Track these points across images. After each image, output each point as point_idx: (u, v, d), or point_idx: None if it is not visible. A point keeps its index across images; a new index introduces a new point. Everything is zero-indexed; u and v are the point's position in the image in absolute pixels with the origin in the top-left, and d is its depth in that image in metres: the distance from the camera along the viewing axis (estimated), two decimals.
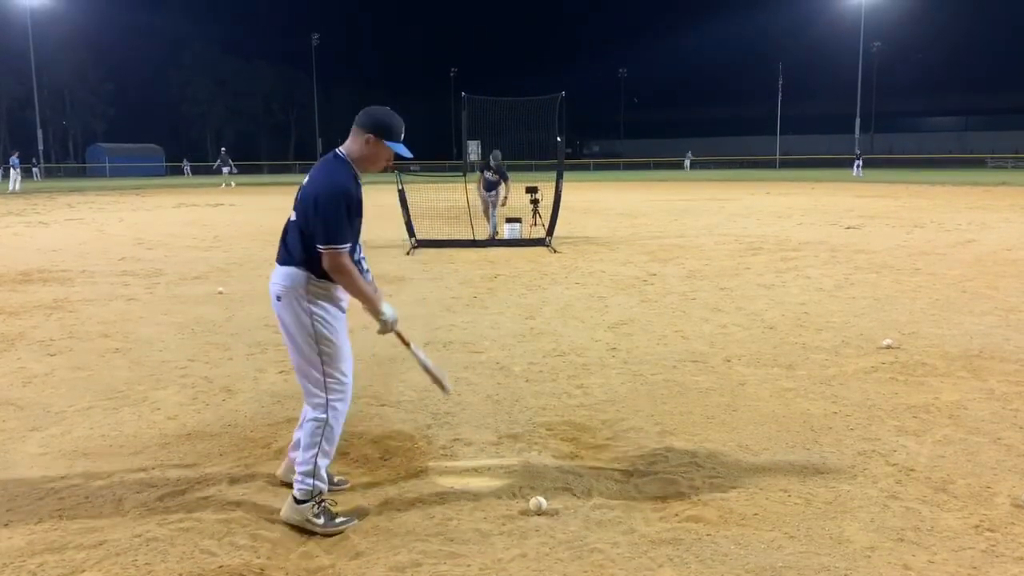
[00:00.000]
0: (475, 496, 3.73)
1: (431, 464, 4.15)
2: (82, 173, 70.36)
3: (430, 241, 14.37)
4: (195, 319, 7.96)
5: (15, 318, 8.02)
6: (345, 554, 3.19)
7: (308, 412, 3.50)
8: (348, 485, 3.87)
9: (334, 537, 3.34)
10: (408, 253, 13.53)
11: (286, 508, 3.47)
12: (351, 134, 3.52)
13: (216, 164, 46.56)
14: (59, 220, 21.16)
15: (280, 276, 3.43)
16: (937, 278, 10.02)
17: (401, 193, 14.02)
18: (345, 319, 3.55)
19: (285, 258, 3.44)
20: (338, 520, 3.42)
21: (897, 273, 10.51)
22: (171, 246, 14.84)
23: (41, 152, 63.18)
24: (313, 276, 3.39)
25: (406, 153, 3.57)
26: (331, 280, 3.41)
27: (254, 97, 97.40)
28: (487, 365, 6.14)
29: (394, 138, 3.50)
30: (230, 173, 44.91)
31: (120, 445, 4.44)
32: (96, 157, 74.09)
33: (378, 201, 20.23)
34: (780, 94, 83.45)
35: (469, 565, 3.09)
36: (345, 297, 3.56)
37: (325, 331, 3.41)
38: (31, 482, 3.92)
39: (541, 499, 3.58)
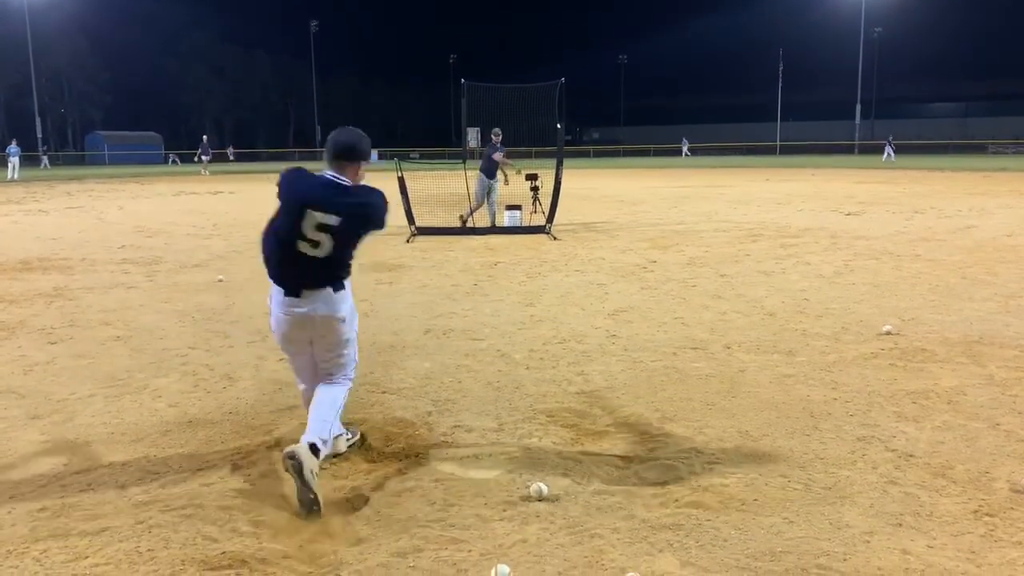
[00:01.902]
0: (476, 482, 3.74)
1: (432, 451, 4.16)
2: (81, 161, 70.26)
3: (430, 229, 14.35)
4: (195, 307, 7.97)
5: (15, 306, 8.02)
6: (347, 539, 3.21)
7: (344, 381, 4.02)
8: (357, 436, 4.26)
9: (336, 524, 3.35)
10: (408, 241, 13.51)
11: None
12: (343, 168, 3.75)
13: (197, 154, 46.91)
14: (58, 208, 21.13)
15: (337, 301, 3.79)
16: (937, 264, 10.02)
17: (401, 181, 13.99)
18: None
19: (337, 283, 3.80)
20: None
21: (897, 259, 10.50)
22: (171, 234, 14.83)
23: (40, 140, 63.03)
24: (349, 291, 3.90)
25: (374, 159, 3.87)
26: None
27: (253, 85, 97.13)
28: (487, 352, 6.15)
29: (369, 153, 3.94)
30: (208, 162, 45.30)
31: (121, 432, 4.46)
32: (95, 145, 73.97)
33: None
34: (780, 80, 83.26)
35: (470, 550, 3.10)
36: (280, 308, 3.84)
37: (356, 326, 4.11)
38: (33, 469, 3.93)
39: (542, 485, 3.59)
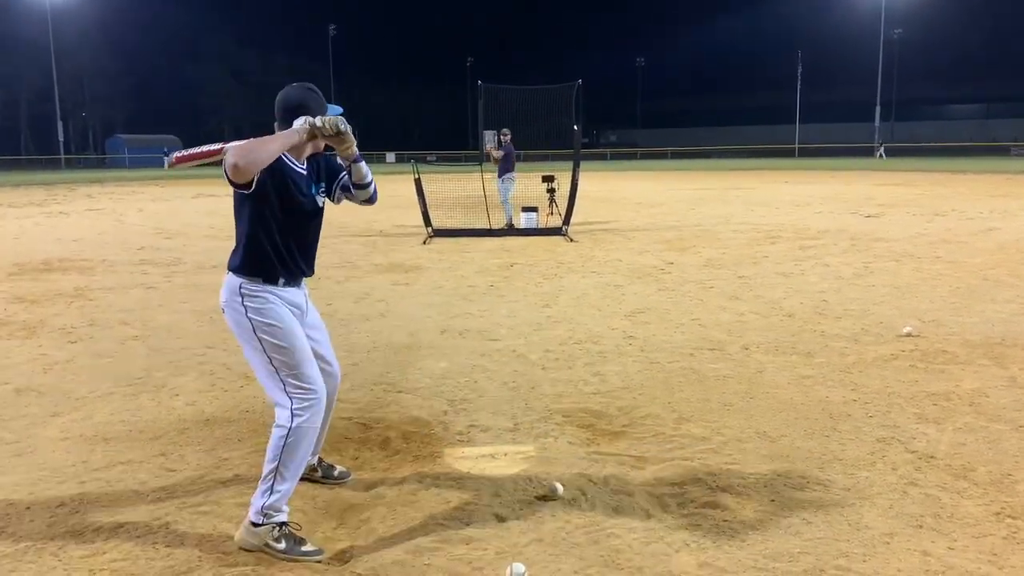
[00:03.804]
0: (492, 481, 3.73)
1: (448, 450, 4.15)
2: (102, 164, 71.06)
3: (447, 230, 14.37)
4: (213, 307, 7.98)
5: (37, 306, 8.10)
6: (364, 537, 3.21)
7: (276, 419, 3.16)
8: (351, 478, 3.76)
9: (353, 521, 3.35)
10: (425, 242, 13.54)
11: (241, 531, 3.14)
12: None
13: None
14: (79, 210, 21.35)
15: (223, 285, 3.21)
16: (958, 266, 9.92)
17: (418, 182, 14.02)
18: (296, 320, 3.22)
19: (228, 263, 3.23)
20: (304, 548, 3.07)
21: (917, 261, 10.40)
22: (189, 235, 14.94)
23: (62, 143, 63.79)
24: (245, 280, 3.13)
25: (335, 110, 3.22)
26: (268, 281, 3.15)
27: (271, 88, 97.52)
28: (503, 353, 6.14)
29: (300, 114, 3.11)
30: None
31: (140, 430, 4.48)
32: (116, 148, 74.76)
33: (395, 191, 20.24)
34: (799, 82, 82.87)
35: (486, 549, 3.09)
36: (297, 296, 3.27)
37: (271, 339, 3.10)
38: (52, 466, 3.96)
39: (558, 484, 3.58)
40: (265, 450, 3.16)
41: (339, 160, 3.28)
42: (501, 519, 3.35)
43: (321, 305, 3.52)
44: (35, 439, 4.35)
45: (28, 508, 3.48)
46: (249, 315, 3.12)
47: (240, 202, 3.13)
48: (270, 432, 3.15)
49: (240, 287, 3.14)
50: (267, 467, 3.11)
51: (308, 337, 3.28)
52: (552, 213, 15.56)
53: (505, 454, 4.10)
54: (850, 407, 4.72)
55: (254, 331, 3.12)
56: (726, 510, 3.39)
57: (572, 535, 3.20)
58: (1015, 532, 3.17)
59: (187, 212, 20.60)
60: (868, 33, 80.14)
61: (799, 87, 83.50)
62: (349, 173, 3.27)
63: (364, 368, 5.72)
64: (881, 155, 66.99)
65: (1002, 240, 12.37)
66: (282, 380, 3.13)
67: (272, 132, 3.13)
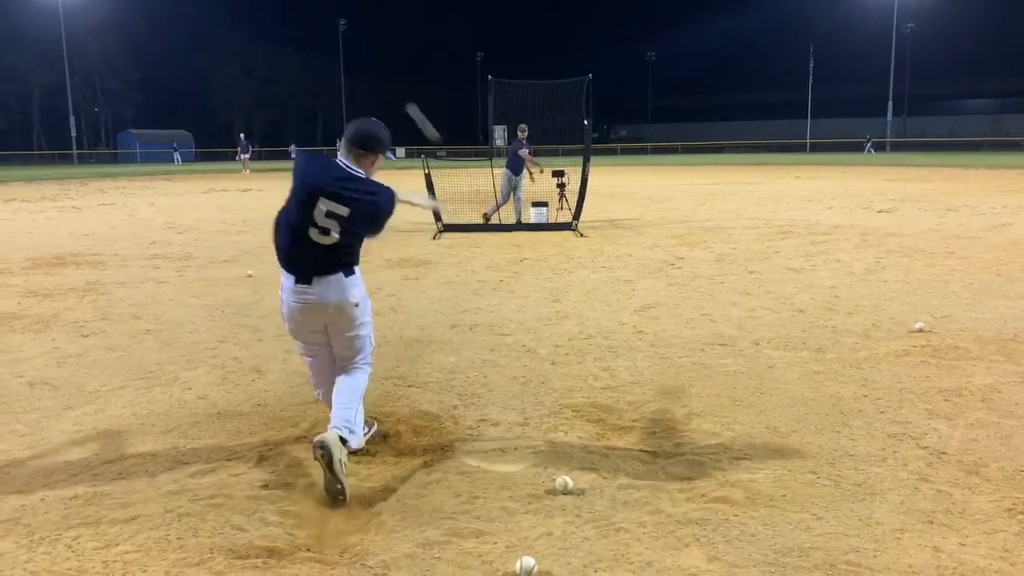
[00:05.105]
0: (501, 475, 3.74)
1: (458, 444, 4.16)
2: (114, 159, 71.41)
3: (456, 225, 14.38)
4: (225, 301, 8.05)
5: (49, 300, 8.16)
6: (373, 530, 3.22)
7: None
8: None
9: (364, 514, 3.36)
10: (435, 237, 13.55)
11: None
12: (359, 158, 3.71)
13: (238, 152, 48.01)
14: (91, 205, 21.46)
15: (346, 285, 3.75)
16: (971, 261, 9.86)
17: (428, 177, 14.03)
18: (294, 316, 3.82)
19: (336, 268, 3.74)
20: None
21: (930, 256, 10.35)
22: (201, 230, 15.00)
23: (74, 138, 64.03)
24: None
25: (393, 157, 3.70)
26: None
27: (281, 84, 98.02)
28: (513, 347, 6.15)
29: (388, 147, 3.81)
30: (249, 159, 46.35)
31: (152, 423, 4.51)
32: (127, 143, 75.06)
33: (404, 186, 20.26)
34: (811, 77, 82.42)
35: (495, 543, 3.10)
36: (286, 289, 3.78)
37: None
38: (66, 459, 3.99)
39: (567, 479, 3.58)
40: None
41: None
42: (511, 513, 3.35)
43: None
44: (48, 432, 4.39)
45: (42, 500, 3.52)
46: (366, 295, 3.94)
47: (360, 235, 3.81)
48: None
49: (361, 280, 3.88)
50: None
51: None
52: (562, 208, 15.54)
53: (515, 448, 4.10)
54: (861, 403, 4.71)
55: (367, 304, 3.97)
56: (736, 505, 3.39)
57: (582, 529, 3.20)
58: None
59: (198, 207, 20.67)
60: (880, 28, 79.64)
61: (810, 82, 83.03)
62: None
63: (374, 362, 5.72)
64: (870, 150, 65.85)
65: (1015, 236, 12.29)
66: (372, 342, 4.15)
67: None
